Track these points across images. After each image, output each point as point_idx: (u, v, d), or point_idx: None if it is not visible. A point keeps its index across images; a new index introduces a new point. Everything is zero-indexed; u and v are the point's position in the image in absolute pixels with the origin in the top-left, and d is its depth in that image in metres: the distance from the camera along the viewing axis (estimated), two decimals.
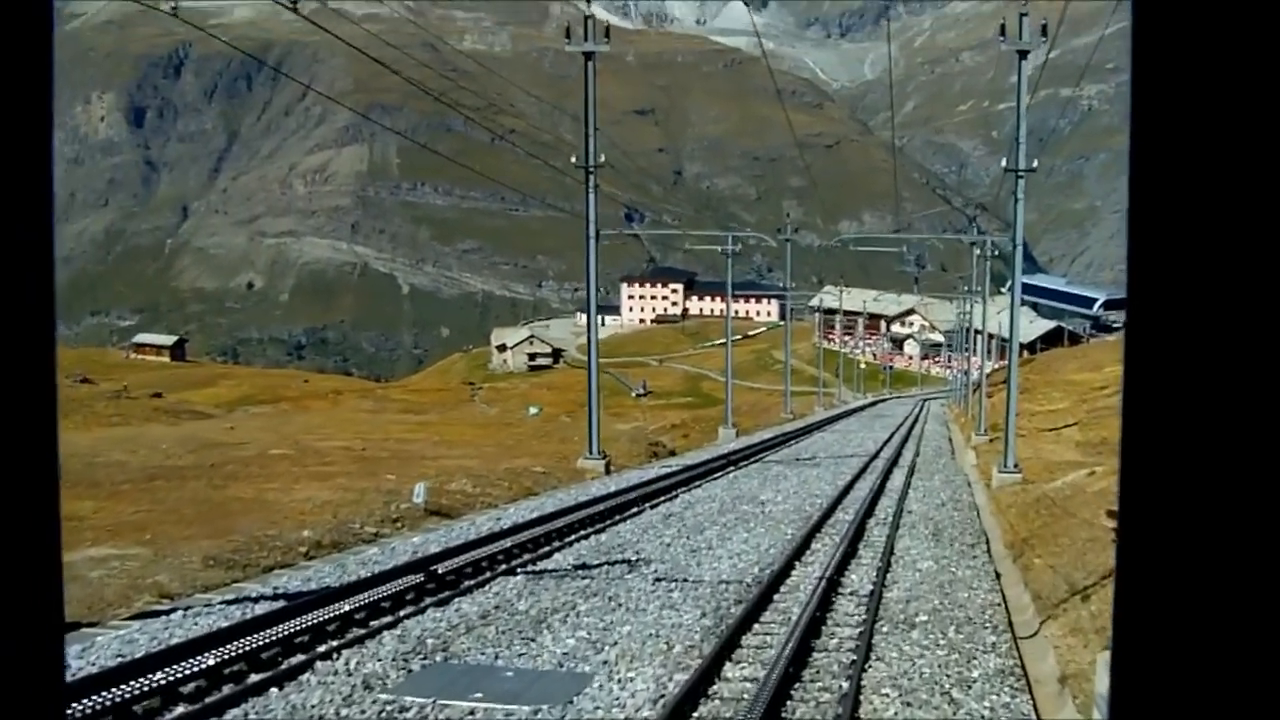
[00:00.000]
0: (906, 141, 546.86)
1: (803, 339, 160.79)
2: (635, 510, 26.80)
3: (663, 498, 29.48)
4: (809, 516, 25.65)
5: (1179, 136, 1.19)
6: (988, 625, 15.36)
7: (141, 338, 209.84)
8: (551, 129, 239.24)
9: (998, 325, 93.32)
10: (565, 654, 13.28)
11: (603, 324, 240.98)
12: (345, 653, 13.12)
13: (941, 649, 13.83)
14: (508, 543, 20.47)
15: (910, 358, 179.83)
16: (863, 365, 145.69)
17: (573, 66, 38.74)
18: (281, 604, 14.66)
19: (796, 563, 19.76)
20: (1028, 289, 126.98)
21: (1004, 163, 36.13)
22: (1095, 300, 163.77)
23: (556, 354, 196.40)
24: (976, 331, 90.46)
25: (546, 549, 21.01)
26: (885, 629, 14.80)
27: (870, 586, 17.57)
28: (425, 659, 13.05)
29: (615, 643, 13.72)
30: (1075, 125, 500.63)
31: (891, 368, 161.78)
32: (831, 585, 17.29)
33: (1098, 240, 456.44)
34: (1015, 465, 34.63)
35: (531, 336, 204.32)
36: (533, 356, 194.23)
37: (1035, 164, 35.35)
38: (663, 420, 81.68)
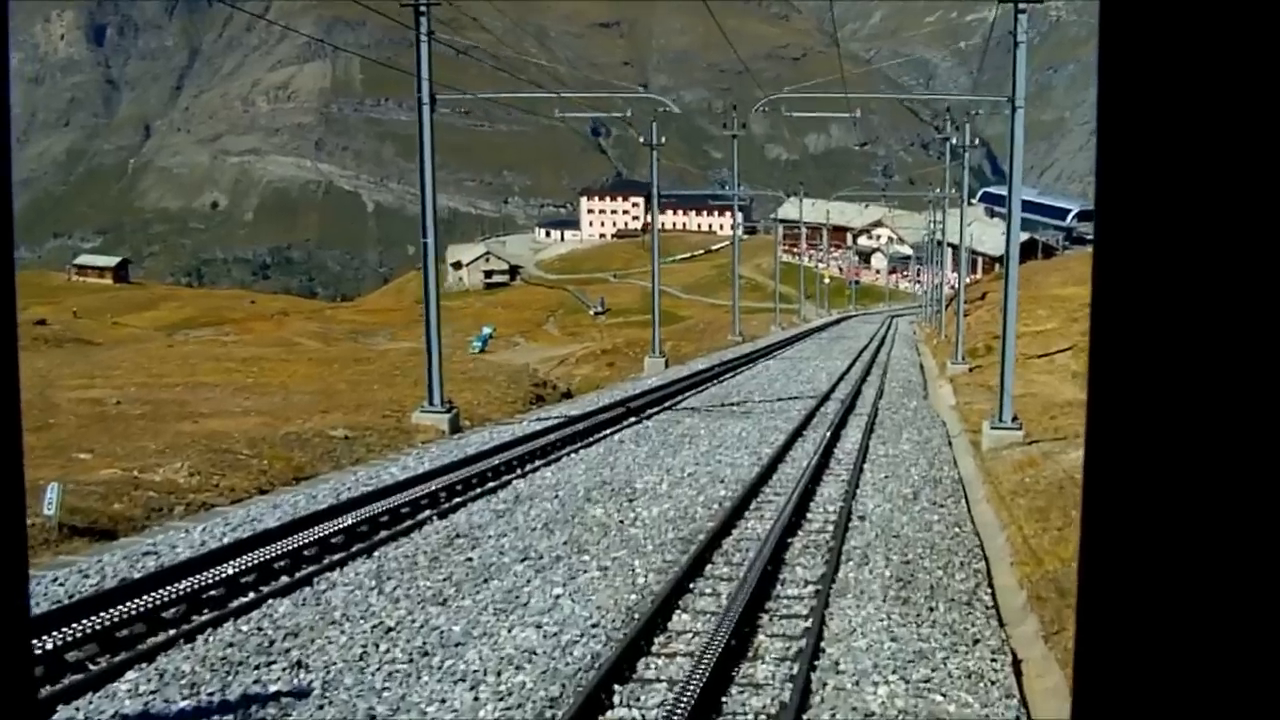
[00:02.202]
0: (874, 54, 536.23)
1: (767, 253, 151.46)
2: (421, 518, 16.48)
3: (491, 483, 19.27)
4: (695, 531, 15.61)
5: (1144, 119, 1.11)
6: None
7: (83, 259, 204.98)
8: (515, 44, 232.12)
9: (969, 239, 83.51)
10: None
11: (562, 239, 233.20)
12: None
13: None
14: (69, 634, 10.18)
15: (878, 272, 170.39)
16: (827, 280, 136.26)
17: None
18: None
19: (619, 686, 9.50)
20: (997, 200, 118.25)
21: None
22: (1069, 211, 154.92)
23: (513, 271, 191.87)
24: (952, 246, 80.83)
25: (141, 649, 10.58)
26: None
27: None
28: None
29: None
30: (1044, 36, 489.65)
31: (858, 283, 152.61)
32: None
33: (1066, 152, 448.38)
34: (1015, 419, 24.95)
35: (488, 253, 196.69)
36: (489, 274, 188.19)
37: None
38: (613, 340, 72.62)
